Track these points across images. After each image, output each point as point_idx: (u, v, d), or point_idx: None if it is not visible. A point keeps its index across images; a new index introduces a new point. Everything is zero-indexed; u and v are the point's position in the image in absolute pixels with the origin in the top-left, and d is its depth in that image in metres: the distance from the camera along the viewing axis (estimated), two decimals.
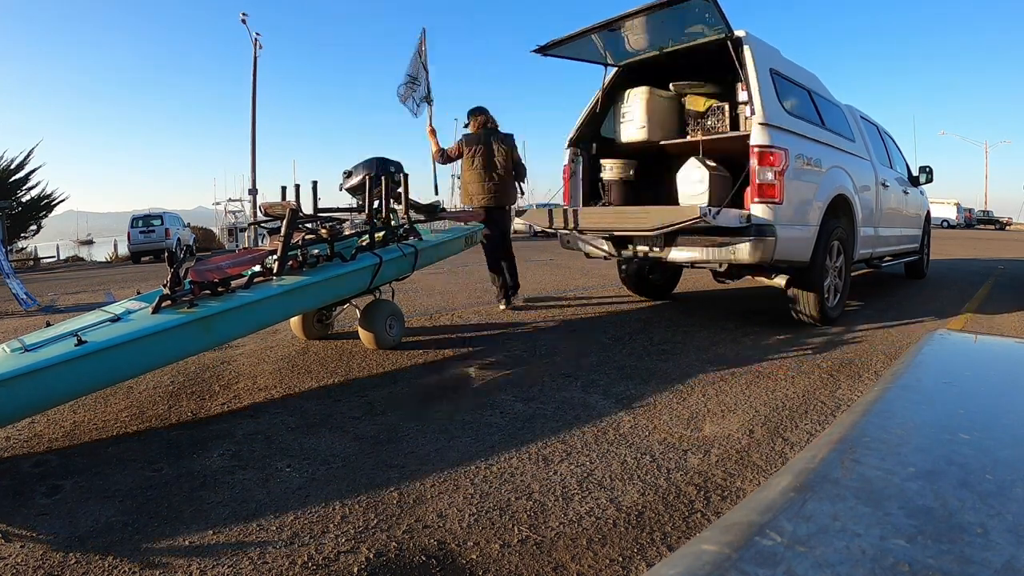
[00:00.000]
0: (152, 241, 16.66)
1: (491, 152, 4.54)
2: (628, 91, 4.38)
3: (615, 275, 5.93)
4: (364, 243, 3.45)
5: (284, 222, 3.01)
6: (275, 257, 2.96)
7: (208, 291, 2.63)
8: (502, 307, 4.73)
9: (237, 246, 21.22)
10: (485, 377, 2.98)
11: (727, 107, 4.09)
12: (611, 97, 4.58)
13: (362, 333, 3.54)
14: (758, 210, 3.51)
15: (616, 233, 4.07)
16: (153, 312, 2.46)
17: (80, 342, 2.15)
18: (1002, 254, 11.94)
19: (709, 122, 4.20)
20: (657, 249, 3.87)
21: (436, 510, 1.68)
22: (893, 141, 6.23)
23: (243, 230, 27.06)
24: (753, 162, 3.51)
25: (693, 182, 3.91)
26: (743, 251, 3.47)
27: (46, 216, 21.20)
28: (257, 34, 15.90)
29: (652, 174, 4.69)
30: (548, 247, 13.04)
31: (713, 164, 3.98)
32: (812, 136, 3.98)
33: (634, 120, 4.33)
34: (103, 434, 2.30)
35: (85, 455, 2.10)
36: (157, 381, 2.95)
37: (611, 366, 3.14)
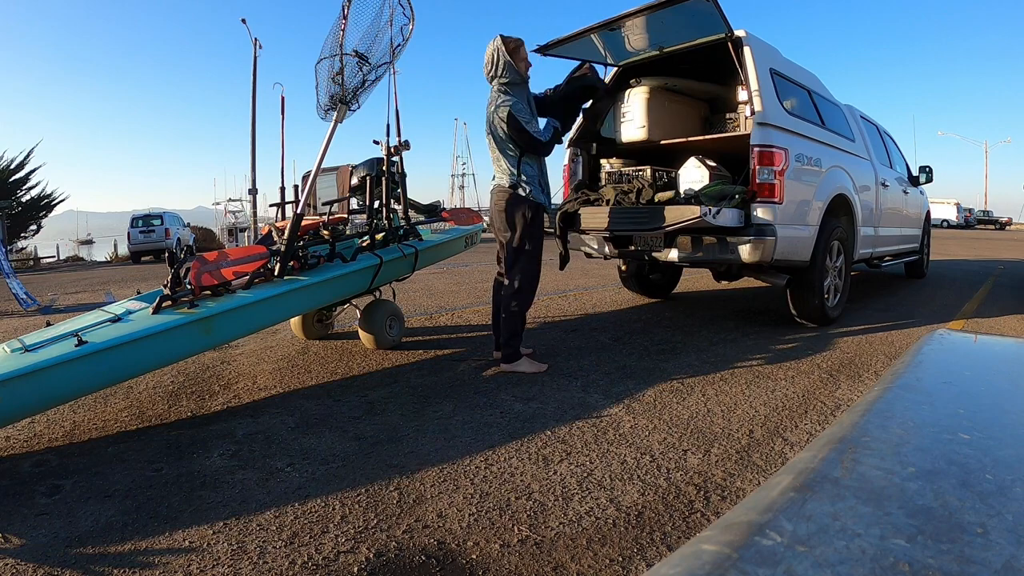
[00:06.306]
0: (152, 241, 16.64)
1: None
2: (628, 91, 4.38)
3: (615, 275, 5.93)
4: (364, 244, 3.45)
5: (288, 226, 3.02)
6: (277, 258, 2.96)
7: (208, 291, 2.63)
8: None
9: (237, 247, 21.20)
10: (485, 377, 2.98)
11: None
12: (611, 97, 4.57)
13: (362, 333, 3.54)
14: (758, 210, 3.50)
15: (616, 233, 4.07)
16: (153, 312, 2.46)
17: (80, 342, 2.15)
18: (1002, 254, 11.94)
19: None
20: (657, 250, 3.87)
21: (436, 510, 1.68)
22: (893, 141, 6.23)
23: (243, 230, 27.08)
24: (753, 162, 3.51)
25: (693, 182, 3.91)
26: (743, 251, 3.47)
27: (46, 216, 21.17)
28: (255, 38, 15.98)
29: None
30: (547, 247, 13.04)
31: (713, 164, 3.98)
32: (812, 136, 3.98)
33: (634, 120, 4.33)
34: (103, 434, 2.30)
35: (85, 455, 2.10)
36: (157, 381, 2.95)
37: (611, 366, 3.14)
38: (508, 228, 3.07)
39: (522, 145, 3.00)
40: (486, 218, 4.66)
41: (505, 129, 2.97)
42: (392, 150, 3.54)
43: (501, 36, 3.00)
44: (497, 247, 3.29)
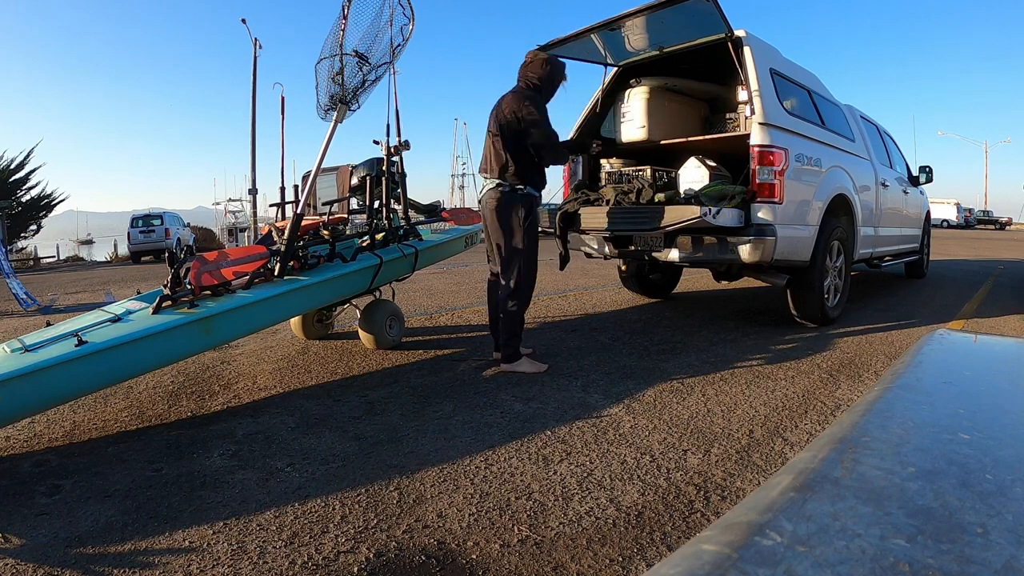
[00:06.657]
0: (152, 241, 16.64)
1: None
2: (628, 91, 4.38)
3: (615, 275, 5.93)
4: (364, 244, 3.46)
5: (288, 226, 3.03)
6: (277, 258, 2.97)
7: (208, 291, 2.63)
8: None
9: (237, 247, 21.21)
10: (485, 377, 2.98)
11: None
12: (611, 97, 4.58)
13: (362, 333, 3.54)
14: (758, 210, 3.50)
15: (616, 233, 4.07)
16: (153, 312, 2.46)
17: (80, 342, 2.15)
18: (1002, 254, 11.94)
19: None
20: (657, 249, 3.88)
21: (436, 510, 1.68)
22: (893, 141, 6.23)
23: (243, 230, 27.11)
24: (753, 162, 3.51)
25: (693, 182, 3.91)
26: (743, 251, 3.47)
27: (46, 216, 21.17)
28: (255, 38, 16.01)
29: None
30: (547, 246, 13.04)
31: (713, 164, 3.98)
32: (812, 136, 3.98)
33: (634, 120, 4.33)
34: (103, 434, 2.30)
35: (85, 455, 2.10)
36: (157, 381, 2.95)
37: (611, 366, 3.14)
38: (502, 228, 3.05)
39: (534, 140, 2.96)
40: None
41: (521, 119, 2.95)
42: (392, 150, 3.54)
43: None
44: (489, 247, 3.28)
